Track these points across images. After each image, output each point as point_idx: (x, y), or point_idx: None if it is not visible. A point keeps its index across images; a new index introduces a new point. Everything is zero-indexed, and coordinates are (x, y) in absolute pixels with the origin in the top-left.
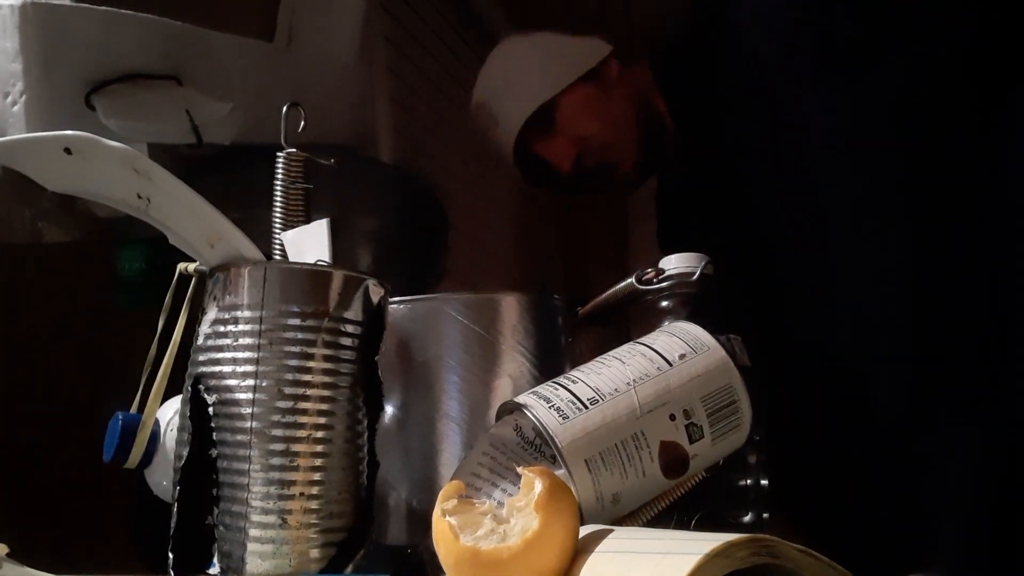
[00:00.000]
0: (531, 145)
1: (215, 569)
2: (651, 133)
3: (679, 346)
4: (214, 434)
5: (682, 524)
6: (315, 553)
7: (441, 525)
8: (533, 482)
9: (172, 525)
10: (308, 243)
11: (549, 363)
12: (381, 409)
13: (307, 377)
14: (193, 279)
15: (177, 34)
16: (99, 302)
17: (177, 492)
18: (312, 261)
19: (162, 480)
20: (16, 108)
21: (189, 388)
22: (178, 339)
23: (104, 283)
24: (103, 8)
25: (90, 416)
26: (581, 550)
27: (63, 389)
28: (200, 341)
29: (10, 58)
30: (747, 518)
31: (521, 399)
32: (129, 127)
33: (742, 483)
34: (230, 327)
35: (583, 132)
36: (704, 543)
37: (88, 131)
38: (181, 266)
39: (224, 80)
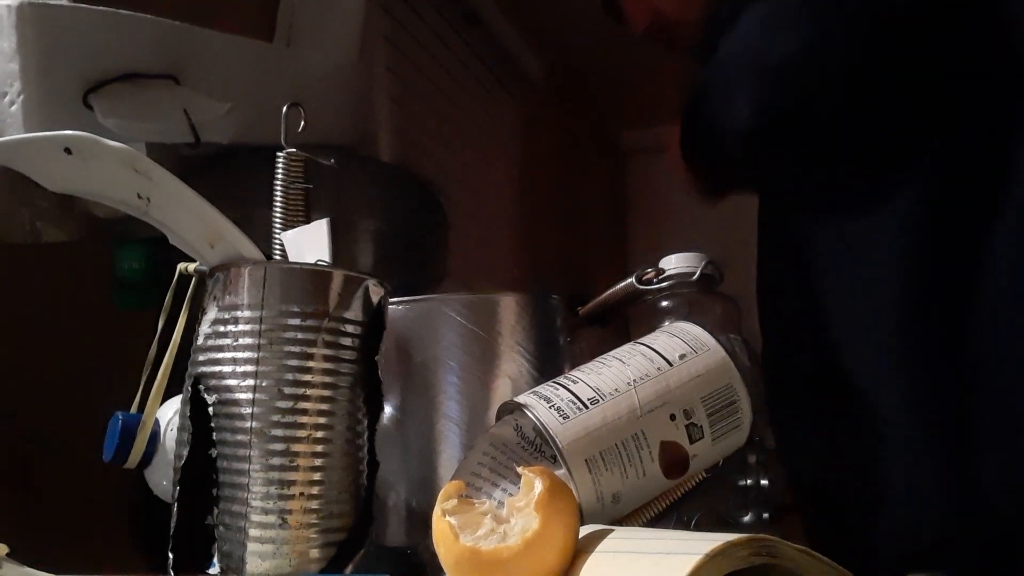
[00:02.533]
0: None
1: (215, 569)
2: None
3: (679, 346)
4: (214, 434)
5: (682, 524)
6: (315, 553)
7: (441, 525)
8: (533, 482)
9: (172, 525)
10: (308, 243)
11: (548, 363)
12: (381, 409)
13: (307, 377)
14: (193, 279)
15: (174, 33)
16: (99, 302)
17: (177, 492)
18: (312, 261)
19: (162, 480)
20: (14, 108)
21: (189, 388)
22: (178, 339)
23: (103, 283)
24: (100, 8)
25: (90, 416)
26: (581, 550)
27: (63, 389)
28: (200, 341)
29: (7, 58)
30: (747, 518)
31: (522, 399)
32: (127, 126)
33: (742, 483)
34: (230, 327)
35: (657, 5)
36: (704, 543)
37: (87, 131)
38: (181, 266)
39: (222, 79)
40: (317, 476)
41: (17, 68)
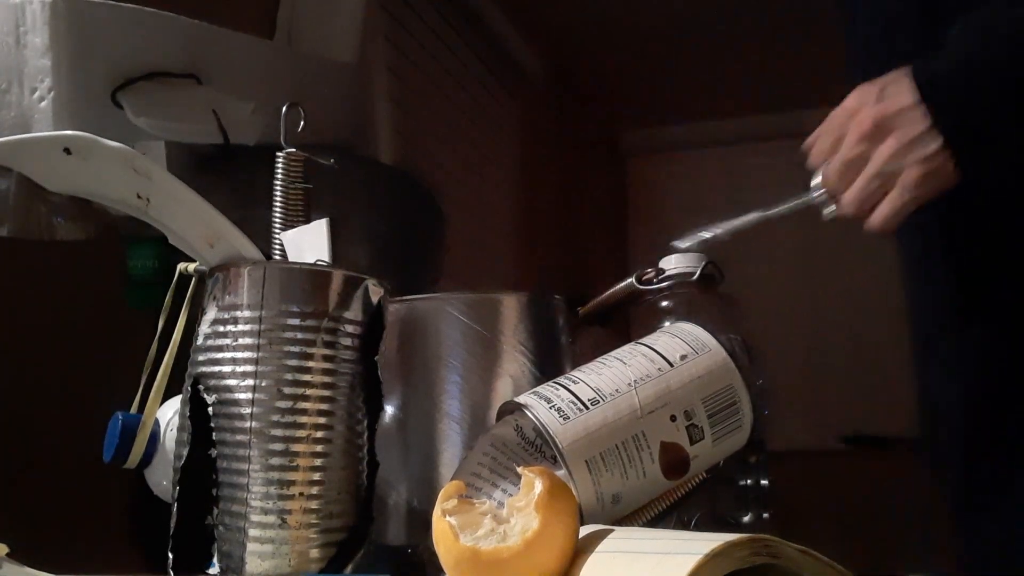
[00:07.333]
0: None
1: (215, 569)
2: None
3: (680, 347)
4: (214, 434)
5: (682, 524)
6: (315, 553)
7: (441, 525)
8: (533, 482)
9: (172, 525)
10: (308, 243)
11: (550, 363)
12: (381, 409)
13: (307, 377)
14: (193, 279)
15: (193, 32)
16: (104, 301)
17: (177, 492)
18: (312, 261)
19: (162, 480)
20: (43, 104)
21: (189, 388)
22: (178, 339)
23: (113, 282)
24: (129, 5)
25: (90, 416)
26: (581, 550)
27: (63, 389)
28: (200, 341)
29: (39, 54)
30: (747, 518)
31: (522, 399)
32: (157, 125)
33: (742, 483)
34: (230, 327)
35: None
36: (704, 543)
37: (114, 129)
38: (181, 266)
39: (240, 79)
40: (317, 476)
41: (48, 64)
